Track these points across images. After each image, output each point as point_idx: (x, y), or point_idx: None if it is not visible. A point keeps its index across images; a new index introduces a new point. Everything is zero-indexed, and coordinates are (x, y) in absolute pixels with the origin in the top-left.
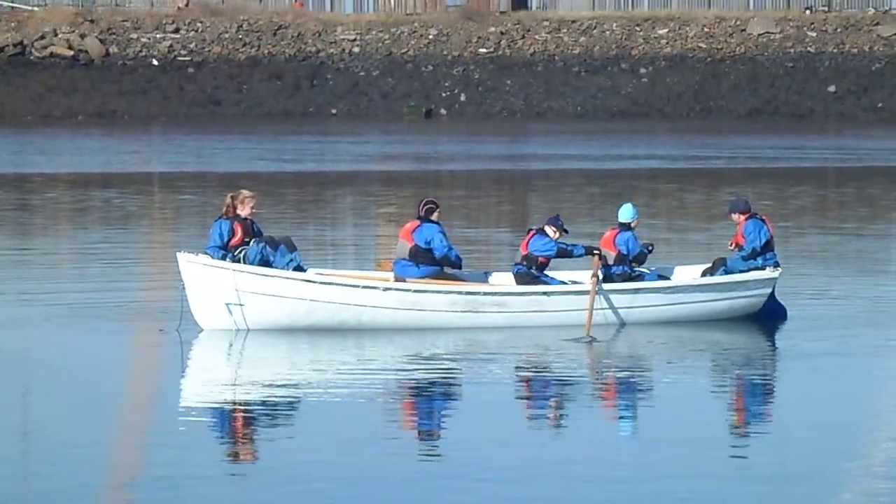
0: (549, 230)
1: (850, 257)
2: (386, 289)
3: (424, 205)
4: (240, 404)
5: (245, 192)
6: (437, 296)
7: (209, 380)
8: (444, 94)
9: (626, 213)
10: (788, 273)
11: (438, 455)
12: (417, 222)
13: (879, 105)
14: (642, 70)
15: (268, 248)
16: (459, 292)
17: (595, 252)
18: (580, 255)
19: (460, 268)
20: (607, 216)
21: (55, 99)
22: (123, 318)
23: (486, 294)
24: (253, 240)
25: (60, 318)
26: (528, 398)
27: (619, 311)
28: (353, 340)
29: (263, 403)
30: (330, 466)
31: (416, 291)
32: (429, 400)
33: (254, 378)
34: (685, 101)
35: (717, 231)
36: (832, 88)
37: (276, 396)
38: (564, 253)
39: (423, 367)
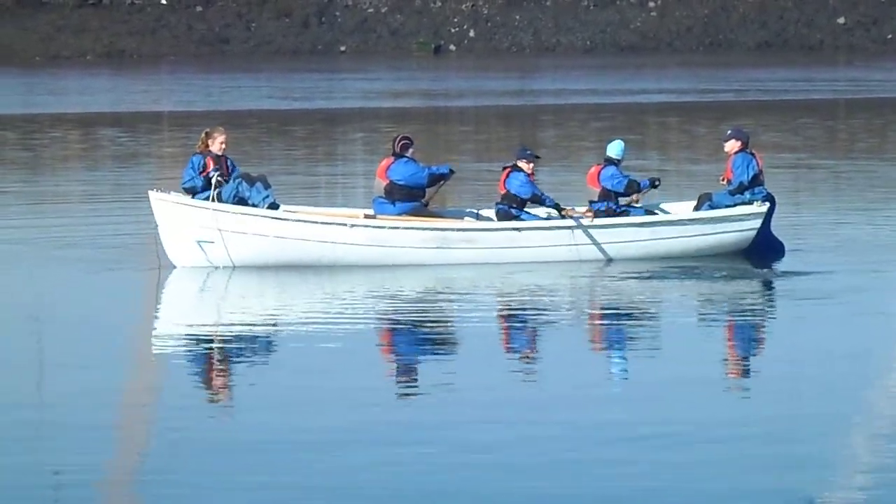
0: (523, 164)
1: (856, 190)
2: (353, 225)
3: (400, 141)
4: (211, 342)
5: (217, 129)
6: (406, 232)
7: (179, 317)
8: (452, 30)
9: (614, 148)
10: (791, 207)
11: (417, 397)
12: (392, 159)
13: (889, 36)
14: (651, 4)
15: (244, 185)
16: (428, 228)
17: (562, 211)
18: (550, 206)
19: (446, 175)
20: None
21: (64, 39)
22: (100, 257)
23: (455, 230)
24: (230, 177)
25: (40, 256)
26: (507, 337)
27: (603, 246)
28: (323, 277)
29: (233, 341)
30: (302, 402)
31: (383, 228)
32: (402, 338)
33: (224, 316)
34: (694, 35)
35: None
36: (841, 20)
37: (245, 334)
38: (537, 199)
39: (392, 304)
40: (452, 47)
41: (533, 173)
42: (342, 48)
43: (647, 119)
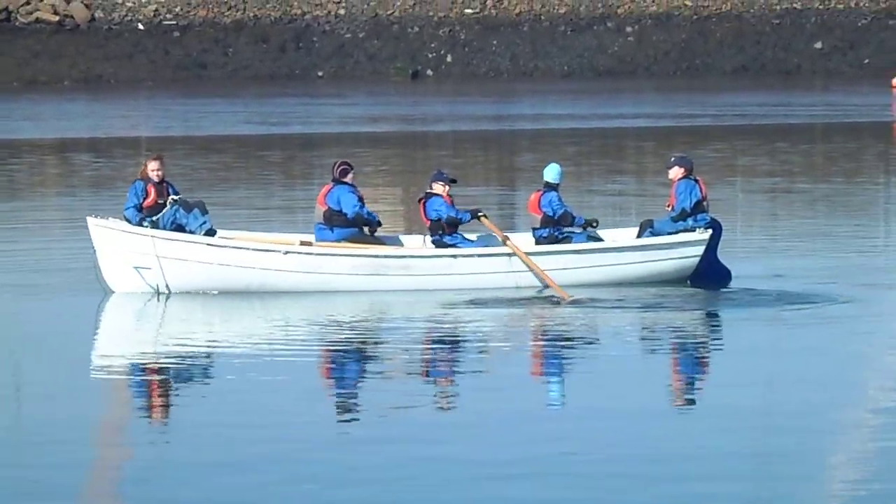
0: (438, 187)
1: (831, 215)
2: (287, 252)
3: (339, 167)
4: (144, 368)
5: (152, 156)
6: (340, 259)
7: (114, 344)
8: (430, 56)
9: (550, 172)
10: (766, 231)
11: (355, 419)
12: (331, 185)
13: (866, 61)
14: (628, 29)
15: (180, 212)
16: (363, 255)
17: (480, 215)
18: (468, 221)
19: (378, 225)
20: (595, 174)
21: (41, 64)
22: (42, 282)
23: (391, 257)
24: (168, 202)
25: None
26: (440, 362)
27: (545, 273)
28: (259, 303)
29: (167, 367)
30: (243, 429)
31: (317, 255)
32: (340, 364)
33: (159, 342)
34: (671, 60)
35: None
36: (818, 45)
37: (179, 361)
38: (454, 221)
39: (326, 330)
40: (430, 72)
41: (449, 196)
42: (319, 73)
43: (625, 143)
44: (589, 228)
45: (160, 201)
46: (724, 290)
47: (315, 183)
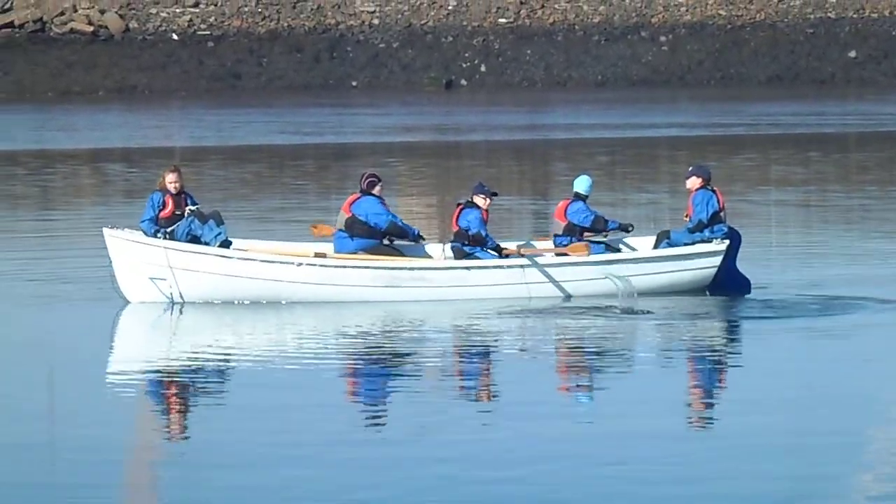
0: (479, 200)
1: (864, 225)
2: (300, 264)
3: (366, 178)
4: (160, 379)
5: (169, 168)
6: (354, 271)
7: (129, 354)
8: (463, 65)
9: (581, 183)
10: (800, 240)
11: (382, 439)
12: (359, 195)
13: None
14: (662, 38)
15: (196, 223)
16: (377, 267)
17: (505, 253)
18: (492, 247)
19: (414, 235)
20: (627, 184)
21: (75, 75)
22: (61, 292)
23: (405, 269)
24: (185, 213)
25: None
26: (460, 374)
27: (559, 284)
28: (273, 314)
29: (181, 379)
30: (260, 444)
31: (330, 266)
32: (352, 376)
33: (173, 353)
34: (705, 69)
35: (727, 199)
36: (853, 54)
37: (193, 372)
38: (480, 239)
39: (341, 341)
40: (464, 82)
41: (487, 210)
42: (353, 83)
43: (658, 153)
44: (621, 233)
45: (178, 212)
46: (745, 299)
47: (349, 193)
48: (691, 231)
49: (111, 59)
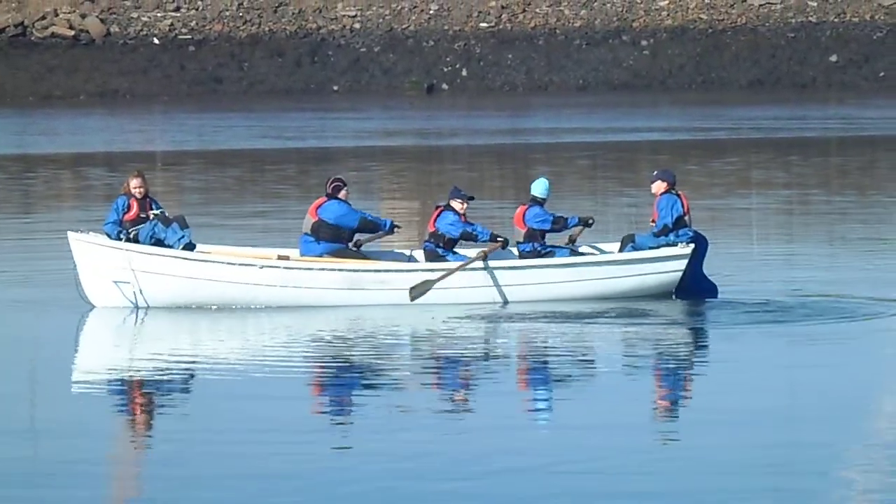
0: (456, 204)
1: (844, 229)
2: (263, 266)
3: (332, 183)
4: (124, 383)
5: (133, 173)
6: (317, 273)
7: (92, 359)
8: (445, 70)
9: (538, 187)
10: (780, 244)
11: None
12: (325, 199)
13: (881, 74)
14: (643, 42)
15: (159, 226)
16: (339, 269)
17: (499, 239)
18: (485, 240)
19: (382, 227)
20: (609, 188)
21: (56, 79)
22: (25, 297)
23: (368, 271)
24: (149, 217)
25: None
26: (424, 379)
27: (522, 287)
28: (238, 318)
29: (146, 382)
30: (224, 448)
31: (292, 269)
32: (326, 380)
33: (137, 357)
34: (687, 73)
35: (707, 202)
36: (834, 58)
37: (158, 376)
38: (469, 236)
39: (305, 345)
40: (445, 86)
41: (465, 214)
42: (335, 87)
43: (640, 157)
44: (578, 234)
45: (142, 215)
46: (711, 303)
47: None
48: (656, 235)
49: (92, 64)
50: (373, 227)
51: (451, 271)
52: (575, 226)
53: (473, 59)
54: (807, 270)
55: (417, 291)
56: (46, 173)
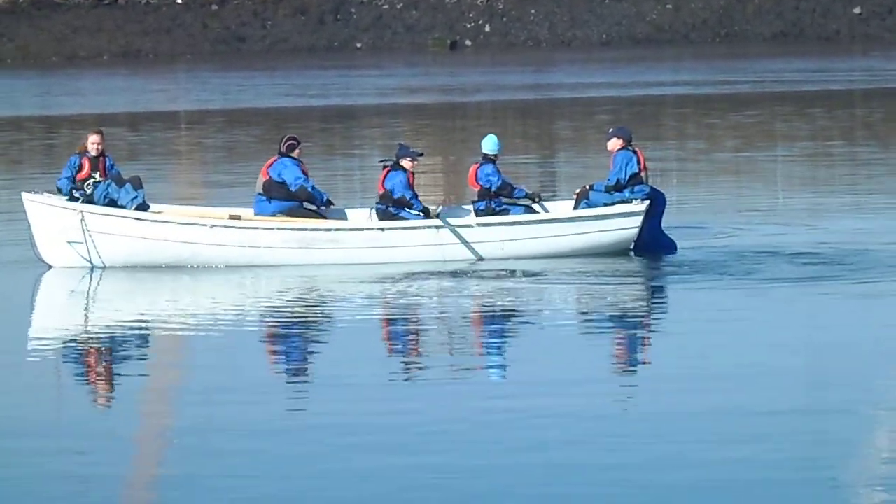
0: (405, 163)
1: (870, 181)
2: (213, 226)
3: (286, 141)
4: (75, 344)
5: (92, 130)
6: (267, 232)
7: (46, 320)
8: (468, 26)
9: (488, 143)
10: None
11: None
12: (276, 157)
13: None
14: None
15: (112, 186)
16: (291, 228)
17: (433, 214)
18: (419, 211)
19: (323, 201)
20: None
21: (80, 39)
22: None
23: (319, 230)
24: (103, 179)
25: None
26: (377, 339)
27: (475, 245)
28: (190, 278)
29: (98, 343)
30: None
31: (244, 228)
32: (281, 339)
33: (91, 318)
34: (710, 27)
35: (725, 154)
36: (857, 10)
37: (110, 336)
38: (405, 202)
39: (257, 305)
40: (468, 42)
41: (413, 172)
42: (358, 45)
43: (665, 111)
44: (528, 200)
45: (93, 174)
46: (667, 260)
47: (356, 154)
48: (608, 190)
49: (116, 24)
50: (308, 197)
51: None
52: (521, 197)
53: (496, 15)
54: (832, 220)
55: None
56: (72, 133)
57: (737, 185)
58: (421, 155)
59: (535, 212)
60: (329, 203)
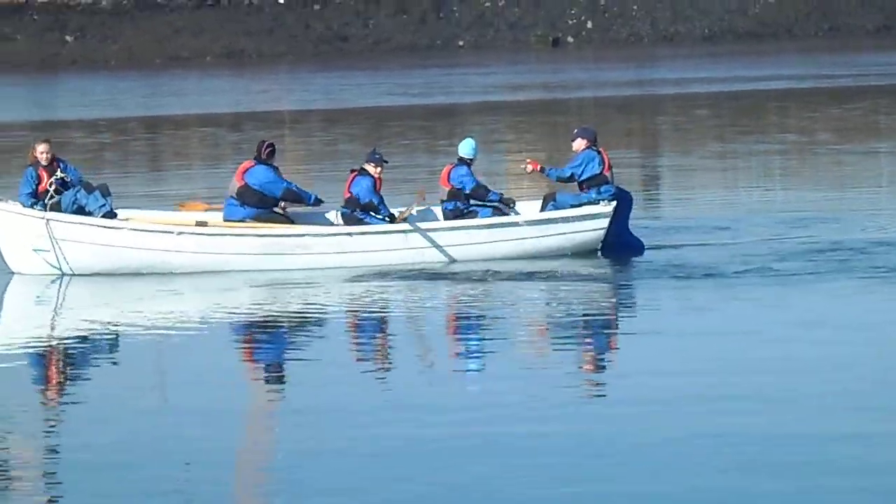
0: (370, 168)
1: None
2: (180, 233)
3: (266, 147)
4: (42, 353)
5: (38, 140)
6: (235, 239)
7: (11, 328)
8: (570, 22)
9: (465, 147)
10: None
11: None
12: (253, 162)
13: None
14: None
15: (81, 192)
16: (258, 235)
17: (398, 220)
18: (385, 216)
19: (311, 201)
20: (728, 136)
21: (182, 40)
22: None
23: (287, 236)
24: (72, 186)
25: None
26: (346, 341)
27: (444, 248)
28: (158, 284)
29: (66, 351)
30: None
31: (210, 235)
32: (253, 340)
33: (57, 325)
34: (812, 20)
35: (833, 148)
36: None
37: (77, 344)
38: (372, 207)
39: (224, 310)
40: (570, 39)
41: (380, 178)
42: (460, 43)
43: (767, 105)
44: (502, 205)
45: (52, 180)
46: (637, 261)
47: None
48: (558, 180)
49: (219, 24)
50: (296, 198)
51: (410, 207)
52: (494, 201)
53: (598, 11)
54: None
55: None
56: (176, 134)
57: (839, 181)
58: (386, 162)
59: (504, 213)
60: (318, 202)
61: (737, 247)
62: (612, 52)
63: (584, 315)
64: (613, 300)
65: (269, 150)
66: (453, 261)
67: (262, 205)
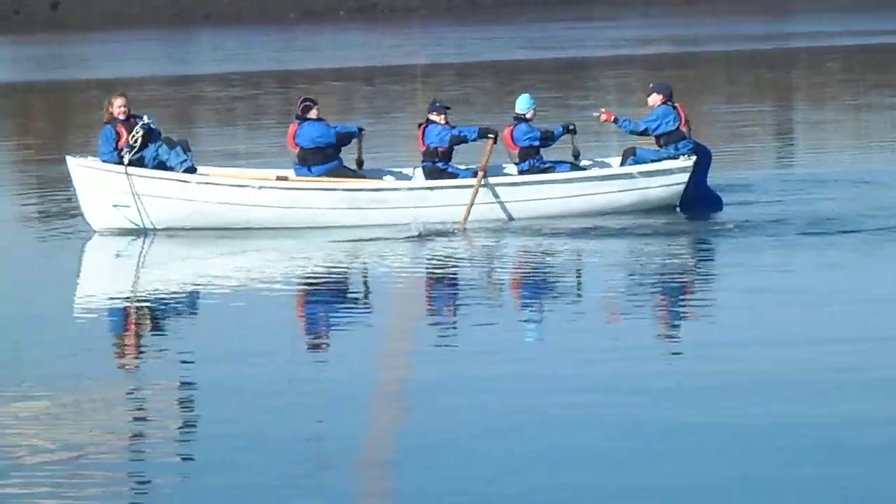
0: (434, 117)
1: None
2: (262, 187)
3: (301, 103)
4: (128, 309)
5: (115, 95)
6: (315, 193)
7: (95, 285)
8: None
9: (521, 103)
10: None
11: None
12: (297, 124)
13: None
14: None
15: (164, 148)
16: (338, 189)
17: (490, 135)
18: (475, 139)
19: (354, 133)
20: (866, 92)
21: None
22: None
23: (366, 190)
24: (153, 142)
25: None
26: (427, 300)
27: (524, 203)
28: (238, 240)
29: (150, 307)
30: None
31: (290, 189)
32: (321, 304)
33: (141, 282)
34: None
35: None
36: None
37: (163, 299)
38: (459, 139)
39: (306, 267)
40: None
41: (447, 123)
42: None
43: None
44: (573, 147)
45: (133, 134)
46: (716, 217)
47: (589, 101)
48: (632, 133)
49: None
50: (348, 136)
51: (475, 190)
52: (561, 135)
53: None
54: None
55: (464, 219)
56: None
57: None
58: (448, 108)
59: (581, 169)
60: (361, 130)
61: (870, 201)
62: (746, 6)
63: (663, 272)
64: (692, 257)
65: (303, 106)
66: (531, 216)
67: (326, 160)
